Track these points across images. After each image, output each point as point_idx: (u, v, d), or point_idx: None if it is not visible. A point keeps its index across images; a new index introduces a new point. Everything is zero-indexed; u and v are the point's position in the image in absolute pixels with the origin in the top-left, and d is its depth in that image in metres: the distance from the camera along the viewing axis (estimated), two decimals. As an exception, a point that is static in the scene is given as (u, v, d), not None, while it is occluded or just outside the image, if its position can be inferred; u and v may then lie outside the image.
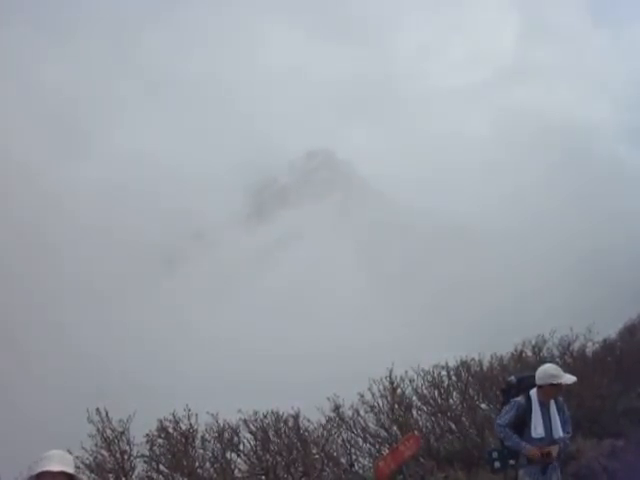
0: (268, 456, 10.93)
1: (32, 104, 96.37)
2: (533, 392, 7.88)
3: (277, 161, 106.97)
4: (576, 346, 16.54)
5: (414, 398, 13.54)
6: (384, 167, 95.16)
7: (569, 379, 7.81)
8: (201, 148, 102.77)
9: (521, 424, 7.89)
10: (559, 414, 7.87)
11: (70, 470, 5.16)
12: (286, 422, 11.31)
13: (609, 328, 20.31)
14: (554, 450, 7.75)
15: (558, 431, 7.82)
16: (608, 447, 12.61)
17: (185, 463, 10.30)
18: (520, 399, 7.99)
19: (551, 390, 7.79)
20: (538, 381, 7.82)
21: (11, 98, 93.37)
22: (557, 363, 15.60)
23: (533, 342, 15.85)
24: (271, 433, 11.14)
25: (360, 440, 12.80)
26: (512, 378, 8.66)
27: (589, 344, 16.90)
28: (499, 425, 8.10)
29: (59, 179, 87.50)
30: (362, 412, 12.90)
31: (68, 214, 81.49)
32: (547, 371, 7.85)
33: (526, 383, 7.93)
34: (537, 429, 7.81)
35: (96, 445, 9.98)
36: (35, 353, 54.71)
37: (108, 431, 10.03)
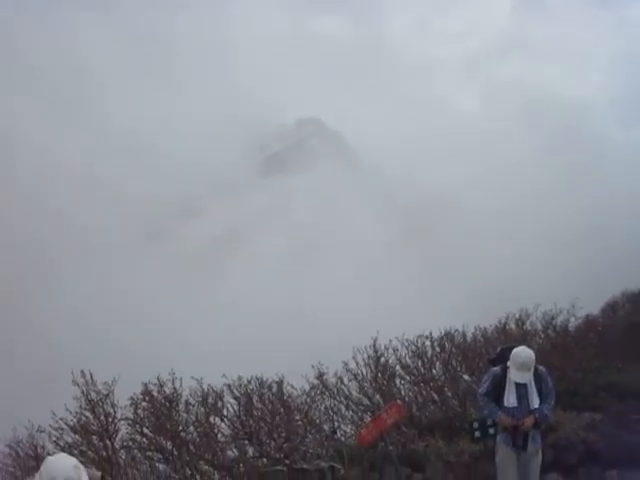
0: (251, 421, 11.00)
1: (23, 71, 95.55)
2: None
3: (268, 129, 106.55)
4: (559, 321, 16.67)
5: (397, 367, 13.66)
6: (373, 137, 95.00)
7: (524, 378, 7.80)
8: (191, 116, 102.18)
9: (498, 393, 7.98)
10: (538, 385, 7.93)
11: None
12: (270, 388, 11.37)
13: (592, 305, 20.49)
14: (528, 421, 7.83)
15: (533, 402, 7.89)
16: (587, 420, 12.79)
17: (169, 426, 10.36)
18: (497, 369, 8.08)
19: None
20: (510, 360, 7.86)
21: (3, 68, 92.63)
22: (538, 337, 15.85)
23: (517, 315, 15.95)
24: (255, 399, 11.19)
25: (343, 408, 12.91)
26: (498, 349, 8.75)
27: (572, 319, 17.03)
28: (479, 394, 8.23)
29: (52, 143, 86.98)
30: (346, 380, 13.01)
31: (61, 177, 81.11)
32: (516, 359, 7.83)
33: (506, 355, 7.99)
34: (509, 399, 7.91)
35: (80, 407, 10.02)
36: (24, 314, 54.77)
37: (92, 394, 10.06)
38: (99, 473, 5.44)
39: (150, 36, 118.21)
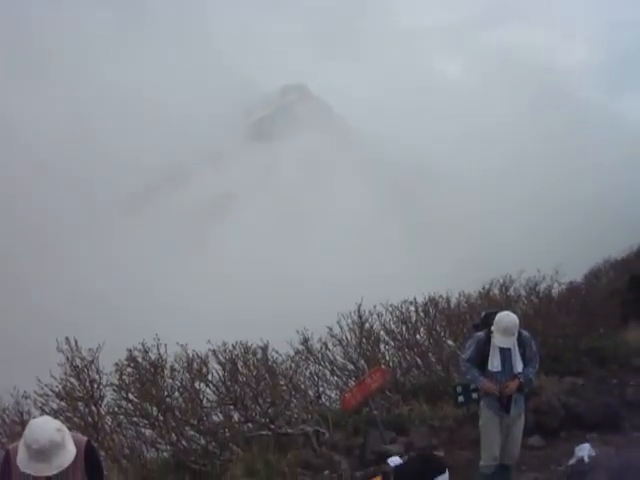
0: (236, 387, 11.05)
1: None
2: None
3: (253, 96, 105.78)
4: (542, 287, 16.77)
5: (382, 333, 13.73)
6: (358, 103, 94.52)
7: (507, 342, 7.84)
8: (175, 83, 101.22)
9: (483, 358, 8.03)
10: (521, 349, 7.99)
11: (69, 460, 4.99)
12: (255, 354, 11.41)
13: (576, 272, 20.64)
14: (512, 384, 7.90)
15: (517, 366, 7.95)
16: (568, 384, 12.93)
17: (154, 392, 10.40)
18: (481, 334, 8.11)
19: None
20: (494, 325, 7.90)
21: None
22: (521, 303, 15.96)
23: (501, 281, 16.04)
24: (240, 364, 11.24)
25: (328, 373, 13.00)
26: (482, 314, 8.78)
27: (555, 285, 17.14)
28: (462, 359, 8.27)
29: (31, 111, 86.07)
30: (330, 345, 13.07)
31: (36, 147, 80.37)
32: (499, 324, 7.83)
33: (490, 319, 8.01)
34: (494, 363, 7.95)
35: (65, 374, 10.03)
36: (10, 280, 54.61)
37: (77, 360, 10.07)
38: (85, 437, 5.43)
39: (135, 2, 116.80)
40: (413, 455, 4.08)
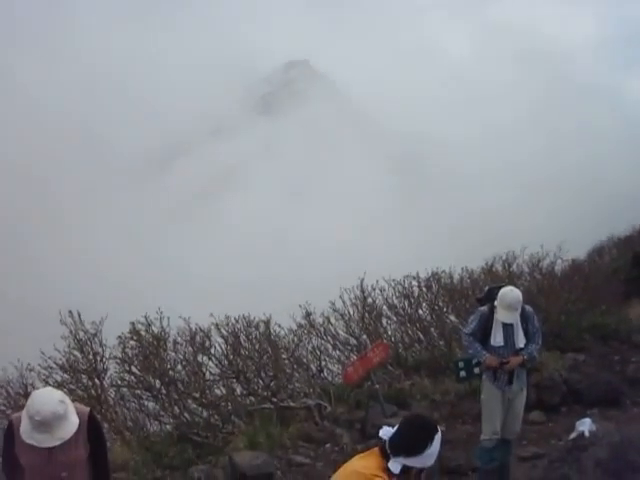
0: (239, 360, 11.09)
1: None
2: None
3: (256, 71, 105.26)
4: (546, 263, 16.75)
5: (384, 308, 13.75)
6: (361, 79, 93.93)
7: (510, 318, 7.84)
8: (178, 59, 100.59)
9: (485, 333, 8.03)
10: (523, 324, 7.98)
11: (71, 431, 4.97)
12: (257, 327, 11.45)
13: (579, 249, 20.62)
14: (515, 360, 7.90)
15: (519, 341, 7.96)
16: (570, 360, 13.00)
17: (157, 365, 10.44)
18: (484, 308, 8.10)
19: None
20: (497, 300, 7.89)
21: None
22: (524, 279, 15.95)
23: (504, 257, 16.02)
24: (242, 338, 11.28)
25: (330, 347, 13.03)
26: (486, 288, 8.77)
27: (558, 262, 17.12)
28: (464, 334, 8.26)
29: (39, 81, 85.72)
30: (333, 320, 13.09)
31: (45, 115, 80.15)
32: (503, 299, 7.82)
33: (494, 294, 7.99)
34: (496, 338, 7.94)
35: (69, 346, 10.07)
36: (15, 252, 54.72)
37: (81, 333, 10.10)
38: (87, 408, 5.44)
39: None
40: (403, 421, 4.05)
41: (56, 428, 4.86)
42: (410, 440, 4.01)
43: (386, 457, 4.02)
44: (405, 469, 4.00)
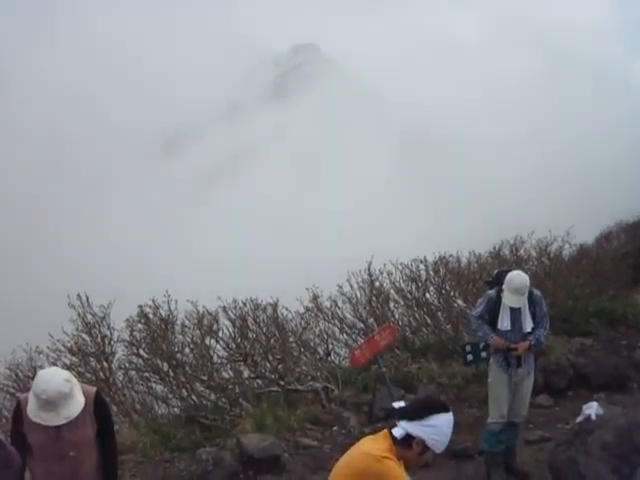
0: (246, 343, 11.13)
1: None
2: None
3: (264, 55, 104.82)
4: (553, 248, 16.69)
5: (392, 291, 13.75)
6: (370, 62, 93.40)
7: (518, 302, 7.83)
8: (184, 41, 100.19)
9: (493, 317, 8.03)
10: (531, 308, 7.97)
11: (77, 411, 5.01)
12: (265, 310, 11.48)
13: (587, 234, 20.54)
14: (522, 348, 7.90)
15: (526, 325, 7.95)
16: (577, 345, 13.00)
17: (165, 348, 10.50)
18: (492, 292, 8.09)
19: None
20: (504, 284, 7.87)
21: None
22: (532, 264, 15.92)
23: (511, 242, 15.97)
24: (250, 321, 11.31)
25: (337, 331, 13.06)
26: (495, 272, 8.77)
27: (566, 247, 17.06)
28: (472, 316, 8.26)
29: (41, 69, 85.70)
30: (340, 303, 13.12)
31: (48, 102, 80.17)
32: (510, 283, 7.79)
33: (503, 277, 7.98)
34: (503, 322, 7.94)
35: (77, 329, 10.13)
36: (23, 238, 54.89)
37: (89, 316, 10.16)
38: (94, 388, 5.49)
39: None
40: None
41: (62, 407, 4.90)
42: (416, 405, 4.07)
43: (394, 437, 4.04)
44: (408, 439, 4.01)
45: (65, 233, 55.28)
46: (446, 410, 4.07)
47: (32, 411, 4.94)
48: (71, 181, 66.32)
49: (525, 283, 7.76)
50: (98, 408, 5.32)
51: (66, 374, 5.10)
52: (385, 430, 4.14)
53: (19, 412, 5.19)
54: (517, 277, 7.80)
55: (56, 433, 5.07)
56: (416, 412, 4.01)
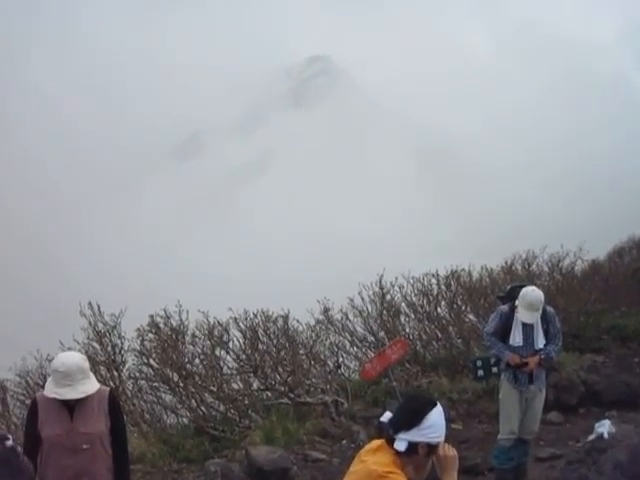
0: (257, 355, 11.11)
1: None
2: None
3: (279, 66, 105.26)
4: (566, 263, 16.62)
5: (403, 305, 13.72)
6: (383, 75, 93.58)
7: (531, 318, 7.80)
8: (197, 52, 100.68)
9: (505, 332, 7.99)
10: (544, 325, 7.93)
11: (93, 389, 5.21)
12: (275, 322, 11.46)
13: (599, 250, 20.42)
14: (532, 362, 7.86)
15: (539, 342, 7.90)
16: (588, 361, 12.91)
17: (175, 358, 10.49)
18: (504, 307, 8.06)
19: None
20: (518, 300, 7.84)
21: None
22: (544, 279, 15.84)
23: (523, 257, 15.91)
24: (260, 332, 11.30)
25: (347, 343, 13.04)
26: (508, 287, 8.73)
27: (578, 262, 16.98)
28: (486, 333, 8.22)
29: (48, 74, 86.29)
30: (351, 316, 13.11)
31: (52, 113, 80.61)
32: (524, 299, 7.76)
33: (516, 293, 7.95)
34: (515, 338, 7.90)
35: (88, 338, 10.15)
36: (36, 246, 55.17)
37: (100, 325, 10.18)
38: (108, 387, 5.65)
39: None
40: (402, 400, 4.08)
41: (79, 382, 5.09)
42: (406, 413, 4.01)
43: (392, 444, 4.00)
44: (412, 447, 3.97)
45: (74, 247, 55.51)
46: (434, 404, 4.03)
47: (49, 389, 5.14)
48: (77, 196, 66.64)
49: (540, 299, 7.74)
50: (111, 406, 5.45)
51: (83, 355, 5.46)
52: (382, 441, 4.08)
53: (35, 408, 5.32)
54: (531, 292, 7.77)
55: (70, 425, 5.21)
56: (410, 420, 3.96)
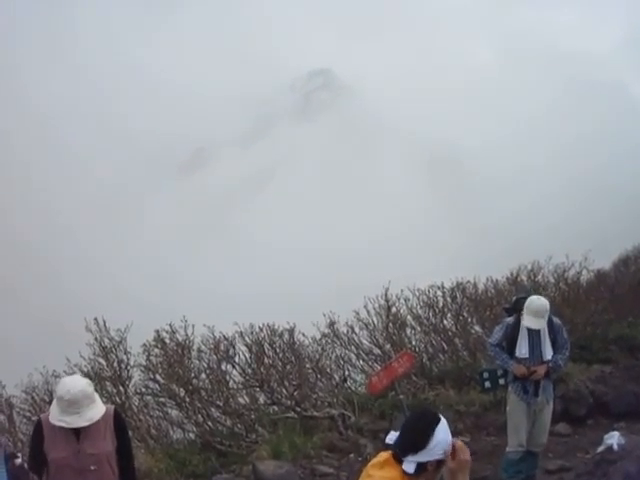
0: (263, 369, 11.10)
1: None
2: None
3: (278, 80, 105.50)
4: (571, 274, 16.58)
5: (409, 317, 13.69)
6: (384, 89, 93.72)
7: (538, 324, 7.79)
8: (198, 67, 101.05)
9: (511, 344, 7.98)
10: (551, 336, 7.91)
11: (99, 415, 5.16)
12: (281, 336, 11.45)
13: (604, 259, 20.36)
14: (540, 369, 7.84)
15: (546, 353, 7.88)
16: (596, 372, 12.85)
17: (181, 373, 10.48)
18: (510, 319, 8.06)
19: None
20: (524, 308, 7.85)
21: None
22: (550, 290, 15.81)
23: (529, 267, 15.88)
24: (266, 346, 11.28)
25: (353, 357, 13.01)
26: (513, 298, 8.74)
27: (584, 272, 16.94)
28: (490, 344, 8.22)
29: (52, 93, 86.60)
30: (357, 329, 13.07)
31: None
32: (530, 307, 7.79)
33: (521, 304, 7.95)
34: (521, 350, 7.89)
35: (94, 353, 10.14)
36: (41, 258, 55.16)
37: (106, 340, 10.17)
38: (113, 406, 5.60)
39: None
40: (404, 421, 4.02)
41: (85, 408, 5.03)
42: (412, 435, 3.96)
43: (400, 461, 3.97)
44: (421, 467, 3.94)
45: (78, 261, 55.51)
46: (438, 420, 3.99)
47: (55, 417, 5.06)
48: (85, 208, 66.67)
49: (545, 306, 7.77)
50: (117, 424, 5.43)
51: (88, 380, 5.32)
52: (389, 455, 4.05)
53: (40, 430, 5.27)
54: (537, 300, 7.82)
55: (77, 447, 5.16)
56: (416, 443, 3.92)
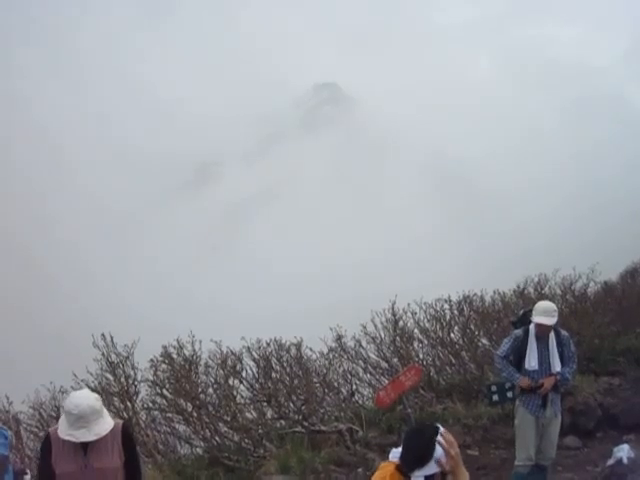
0: (270, 383, 11.08)
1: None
2: (532, 326, 7.94)
3: (283, 95, 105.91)
4: (578, 286, 16.55)
5: (416, 331, 13.67)
6: (388, 103, 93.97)
7: (549, 320, 7.82)
8: (205, 82, 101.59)
9: (519, 357, 7.98)
10: (559, 349, 7.91)
11: (107, 429, 5.16)
12: (288, 351, 11.44)
13: (611, 271, 20.33)
14: (548, 382, 7.83)
15: (555, 365, 7.88)
16: (605, 384, 12.80)
17: (188, 388, 10.47)
18: (518, 332, 8.07)
19: (541, 326, 7.86)
20: (532, 316, 7.91)
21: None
22: (557, 302, 15.76)
23: (536, 280, 15.87)
24: (273, 361, 11.27)
25: (361, 370, 12.98)
26: (521, 311, 8.76)
27: (591, 284, 16.91)
28: (497, 356, 8.21)
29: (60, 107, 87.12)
30: (364, 343, 13.06)
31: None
32: (538, 308, 7.92)
33: (529, 317, 7.97)
34: (530, 362, 7.90)
35: (101, 369, 10.14)
36: (48, 275, 55.36)
37: (113, 356, 10.17)
38: (121, 420, 5.60)
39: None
40: (404, 437, 4.04)
41: (93, 422, 5.04)
42: (414, 451, 3.99)
43: (405, 475, 3.99)
44: (428, 478, 3.96)
45: (88, 278, 55.68)
46: (437, 431, 4.01)
47: (63, 431, 5.07)
48: (87, 227, 66.89)
49: (553, 306, 7.99)
50: (125, 439, 5.41)
51: (96, 395, 5.30)
52: (394, 468, 4.07)
53: (48, 444, 5.27)
54: (544, 302, 8.14)
55: (84, 461, 5.16)
56: (420, 459, 3.95)
